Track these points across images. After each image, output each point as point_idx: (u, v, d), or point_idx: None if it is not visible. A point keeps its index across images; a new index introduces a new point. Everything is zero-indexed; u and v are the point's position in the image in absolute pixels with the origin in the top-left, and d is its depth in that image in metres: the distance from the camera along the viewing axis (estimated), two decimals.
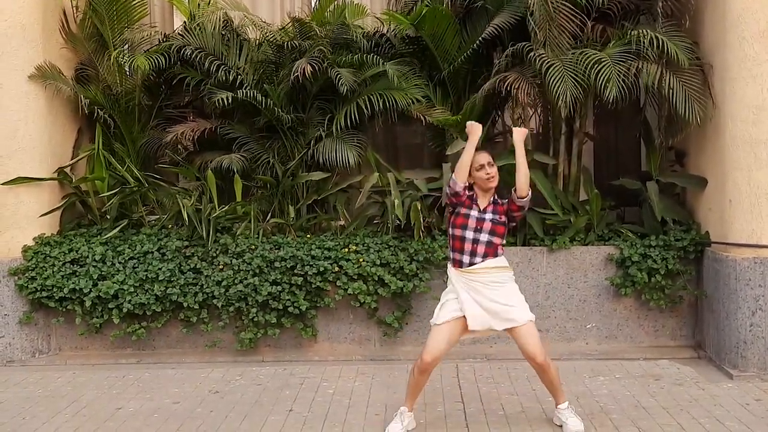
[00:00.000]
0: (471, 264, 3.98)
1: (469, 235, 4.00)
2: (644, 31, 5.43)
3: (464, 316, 3.98)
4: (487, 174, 4.01)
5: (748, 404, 4.51)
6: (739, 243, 5.13)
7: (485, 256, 3.98)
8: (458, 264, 4.03)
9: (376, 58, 6.02)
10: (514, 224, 4.21)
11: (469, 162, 4.00)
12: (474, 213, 4.03)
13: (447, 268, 4.14)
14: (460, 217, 4.05)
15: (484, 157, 4.05)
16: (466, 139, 4.07)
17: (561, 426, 4.13)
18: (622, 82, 5.42)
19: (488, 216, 4.02)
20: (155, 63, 6.16)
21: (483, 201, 4.06)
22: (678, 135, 5.95)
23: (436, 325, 4.04)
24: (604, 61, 5.44)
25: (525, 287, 5.73)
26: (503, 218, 4.05)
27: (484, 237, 3.98)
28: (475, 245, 3.98)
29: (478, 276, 3.98)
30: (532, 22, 5.51)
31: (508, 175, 4.88)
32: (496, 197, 4.11)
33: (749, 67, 5.03)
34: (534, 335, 3.99)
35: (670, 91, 5.43)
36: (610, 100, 5.41)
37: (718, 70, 5.39)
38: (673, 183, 6.05)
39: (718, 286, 5.34)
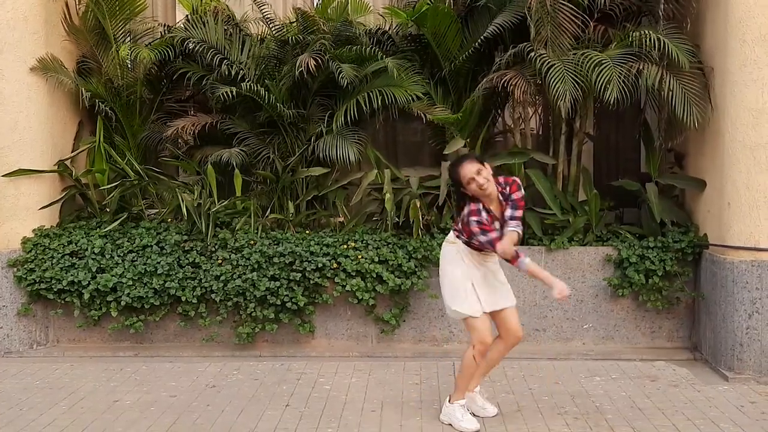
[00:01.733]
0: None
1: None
2: (646, 32, 5.43)
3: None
4: (479, 185, 3.92)
5: (743, 406, 4.53)
6: (737, 246, 5.14)
7: None
8: (478, 248, 4.11)
9: (376, 50, 6.02)
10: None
11: None
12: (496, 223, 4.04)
13: (444, 248, 4.19)
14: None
15: (470, 169, 3.93)
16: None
17: (483, 411, 4.34)
18: (622, 83, 5.42)
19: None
20: (159, 55, 6.18)
21: (494, 207, 4.02)
22: (678, 137, 5.97)
23: (475, 318, 4.07)
24: (605, 62, 5.44)
25: (523, 286, 5.75)
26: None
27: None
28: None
29: (490, 257, 4.16)
30: (529, 21, 5.52)
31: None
32: (501, 195, 4.03)
33: (750, 70, 5.04)
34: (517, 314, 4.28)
35: (670, 93, 5.44)
36: (611, 102, 5.41)
37: (718, 73, 5.40)
38: (672, 185, 6.06)
39: (715, 289, 5.35)
